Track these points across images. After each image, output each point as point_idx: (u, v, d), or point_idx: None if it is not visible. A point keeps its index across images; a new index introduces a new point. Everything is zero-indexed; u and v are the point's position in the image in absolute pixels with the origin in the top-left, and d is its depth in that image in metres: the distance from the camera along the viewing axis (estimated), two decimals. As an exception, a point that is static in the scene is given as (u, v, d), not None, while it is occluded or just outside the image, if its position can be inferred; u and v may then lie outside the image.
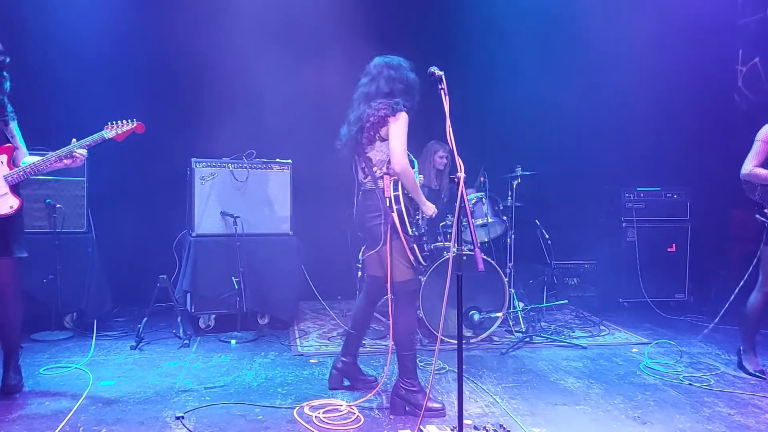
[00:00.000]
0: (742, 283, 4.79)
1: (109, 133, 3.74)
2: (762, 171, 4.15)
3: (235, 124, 6.00)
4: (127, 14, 5.95)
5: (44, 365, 4.32)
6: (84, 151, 3.70)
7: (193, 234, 5.30)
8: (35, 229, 5.01)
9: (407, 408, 3.57)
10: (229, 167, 5.38)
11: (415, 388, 3.58)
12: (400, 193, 3.50)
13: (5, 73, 3.71)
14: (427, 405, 3.44)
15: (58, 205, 5.06)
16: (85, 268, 5.22)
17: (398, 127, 3.46)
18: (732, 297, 4.95)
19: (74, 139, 3.70)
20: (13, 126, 3.80)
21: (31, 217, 4.99)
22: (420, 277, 4.99)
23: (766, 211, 4.18)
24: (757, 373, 4.29)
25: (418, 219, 3.63)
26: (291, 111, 5.95)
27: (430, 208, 3.67)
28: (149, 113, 5.98)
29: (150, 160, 6.01)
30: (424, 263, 3.59)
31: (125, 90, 5.89)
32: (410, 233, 3.49)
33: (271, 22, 5.98)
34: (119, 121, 3.78)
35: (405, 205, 3.50)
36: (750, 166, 4.19)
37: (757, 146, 4.21)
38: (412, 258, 3.53)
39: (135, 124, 3.82)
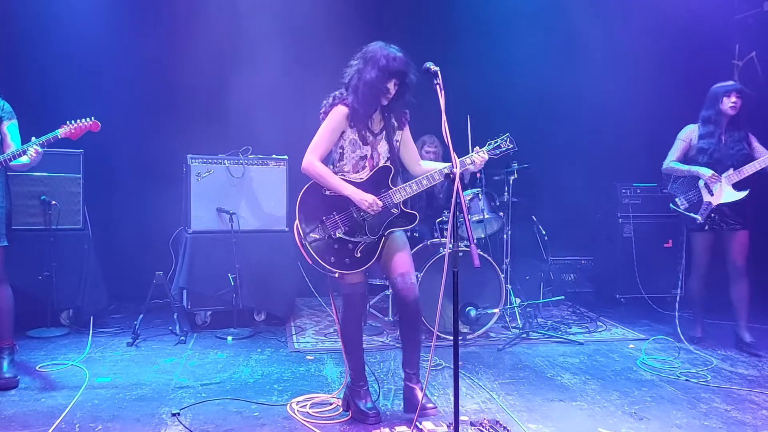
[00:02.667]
0: (682, 268, 5.49)
1: (62, 131, 3.83)
2: (677, 164, 4.85)
3: (231, 120, 6.00)
4: (123, 11, 5.93)
5: (40, 362, 4.31)
6: (38, 148, 3.74)
7: (189, 230, 5.28)
8: (30, 225, 5.01)
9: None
10: (225, 163, 5.36)
11: (358, 389, 3.51)
12: (301, 192, 3.38)
13: None
14: (360, 409, 3.43)
15: (54, 202, 5.04)
16: (81, 265, 5.21)
17: (323, 123, 3.37)
18: (679, 282, 5.46)
19: (33, 137, 3.77)
20: (7, 126, 3.88)
21: (26, 214, 5.00)
22: (416, 272, 4.98)
23: (677, 200, 4.87)
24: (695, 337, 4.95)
25: (330, 219, 3.34)
26: (287, 107, 5.94)
27: (362, 202, 3.31)
28: (145, 110, 6.05)
29: (146, 157, 5.99)
30: (328, 268, 3.32)
31: (122, 87, 5.88)
32: (302, 234, 3.32)
33: (267, 18, 5.96)
34: (75, 121, 3.88)
35: (303, 206, 3.36)
36: (669, 160, 4.90)
37: (677, 144, 4.92)
38: (308, 260, 3.35)
39: (90, 122, 3.93)
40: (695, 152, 4.80)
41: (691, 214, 4.76)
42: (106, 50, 5.87)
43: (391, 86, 3.31)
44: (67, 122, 3.86)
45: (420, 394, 3.33)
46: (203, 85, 6.11)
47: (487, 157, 3.50)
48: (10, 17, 5.61)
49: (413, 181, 3.42)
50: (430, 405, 3.31)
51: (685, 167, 4.79)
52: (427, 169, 3.53)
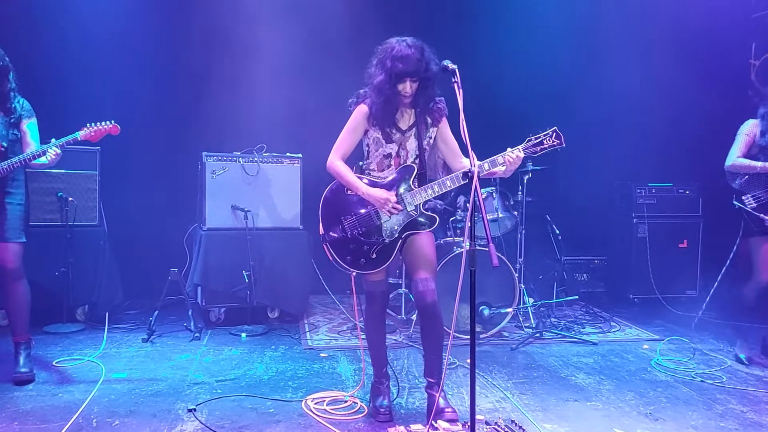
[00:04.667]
0: (721, 276, 5.14)
1: (82, 133, 3.84)
2: (745, 161, 4.48)
3: (245, 118, 6.01)
4: (137, 8, 5.96)
5: (57, 357, 4.35)
6: (57, 150, 3.76)
7: (204, 228, 5.31)
8: (47, 222, 5.07)
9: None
10: (239, 161, 5.38)
11: (378, 386, 3.55)
12: (325, 191, 3.42)
13: (10, 77, 3.81)
14: (375, 405, 3.46)
15: (71, 198, 5.09)
16: (97, 261, 5.26)
17: (347, 122, 3.40)
18: (714, 286, 5.15)
19: (53, 139, 3.78)
20: (27, 124, 3.90)
21: (43, 210, 5.06)
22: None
23: (743, 198, 4.51)
24: (742, 358, 4.51)
25: (348, 219, 3.32)
26: (301, 105, 5.95)
27: (377, 201, 3.26)
28: (161, 107, 6.08)
29: (161, 154, 6.04)
30: (346, 267, 3.35)
31: (137, 84, 5.91)
32: (323, 232, 3.37)
33: (282, 16, 5.97)
34: (94, 123, 3.88)
35: (326, 205, 3.40)
36: (734, 157, 4.54)
37: (740, 139, 4.57)
38: (329, 257, 3.39)
39: (110, 126, 3.92)
40: (757, 150, 4.47)
41: (761, 215, 4.39)
42: (121, 49, 5.91)
43: (405, 86, 3.22)
44: (88, 125, 3.86)
45: (441, 400, 3.29)
46: (218, 83, 6.14)
47: (522, 155, 3.24)
48: (27, 17, 5.66)
49: (435, 182, 3.30)
50: (448, 409, 3.25)
51: (758, 163, 4.41)
52: (466, 166, 3.32)
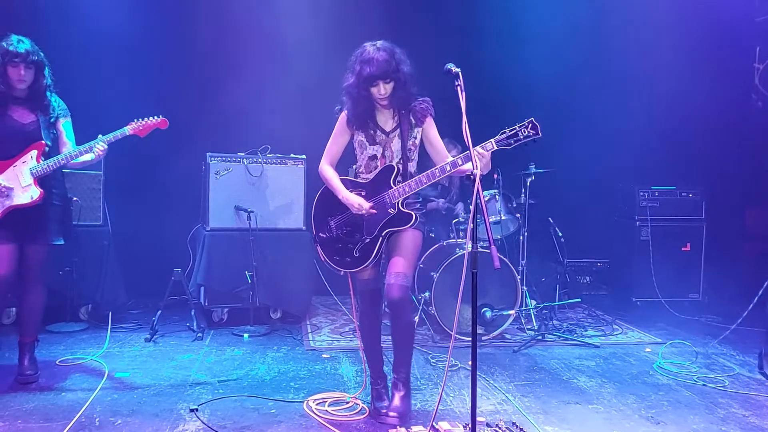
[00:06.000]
0: (766, 284, 4.71)
1: (130, 128, 3.81)
2: None
3: (250, 119, 6.02)
4: (144, 9, 5.98)
5: (60, 356, 4.36)
6: (105, 146, 3.73)
7: (208, 228, 5.33)
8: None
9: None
10: (243, 162, 5.40)
11: (376, 387, 3.60)
12: (317, 194, 3.57)
13: (46, 72, 3.80)
14: (375, 407, 3.50)
15: (75, 198, 5.10)
16: (101, 261, 5.28)
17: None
18: (756, 299, 4.82)
19: (100, 135, 3.76)
20: (63, 123, 3.90)
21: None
22: (432, 273, 5.00)
23: None
24: None
25: (334, 219, 3.45)
26: (305, 106, 5.96)
27: (351, 206, 3.34)
28: (165, 108, 6.02)
29: (166, 155, 6.03)
30: (333, 266, 3.47)
31: (142, 84, 5.92)
32: (314, 233, 3.53)
33: (287, 18, 5.99)
34: (142, 118, 3.85)
35: (317, 207, 3.55)
36: None
37: None
38: (321, 258, 3.53)
39: (158, 120, 3.89)
40: None
41: None
42: (125, 48, 5.93)
43: (377, 89, 3.27)
44: (135, 120, 3.83)
45: (398, 399, 3.44)
46: (223, 84, 6.14)
47: (493, 147, 3.15)
48: (30, 16, 5.67)
49: (413, 179, 3.31)
50: (392, 414, 3.39)
51: None
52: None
